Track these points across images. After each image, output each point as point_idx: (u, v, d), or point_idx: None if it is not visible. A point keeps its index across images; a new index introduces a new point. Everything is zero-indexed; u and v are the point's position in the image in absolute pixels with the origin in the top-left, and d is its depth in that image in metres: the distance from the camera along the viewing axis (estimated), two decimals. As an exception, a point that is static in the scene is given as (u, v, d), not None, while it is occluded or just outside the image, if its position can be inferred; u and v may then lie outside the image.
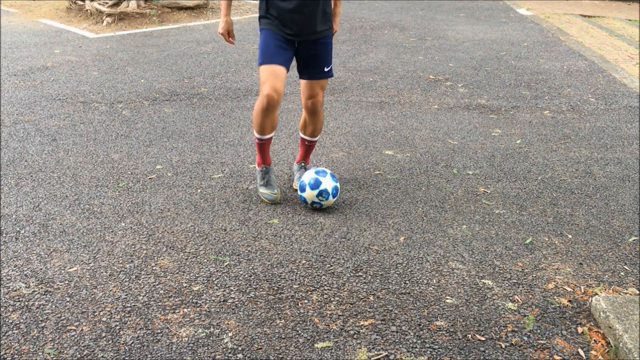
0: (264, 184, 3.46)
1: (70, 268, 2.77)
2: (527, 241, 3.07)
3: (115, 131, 4.56)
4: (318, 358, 2.22)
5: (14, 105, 5.14)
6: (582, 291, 2.66)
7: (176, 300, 2.55)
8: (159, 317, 2.43)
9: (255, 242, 3.02)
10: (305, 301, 2.55)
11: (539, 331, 2.39)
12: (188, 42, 7.77)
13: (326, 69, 3.32)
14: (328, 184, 3.28)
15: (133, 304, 2.51)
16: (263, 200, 3.43)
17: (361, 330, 2.37)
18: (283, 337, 2.33)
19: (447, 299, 2.58)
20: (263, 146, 3.42)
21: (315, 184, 3.27)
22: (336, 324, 2.41)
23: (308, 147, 3.66)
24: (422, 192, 3.61)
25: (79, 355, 2.21)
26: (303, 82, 3.36)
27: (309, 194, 3.29)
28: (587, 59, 7.02)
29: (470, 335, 2.36)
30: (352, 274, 2.75)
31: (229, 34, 3.34)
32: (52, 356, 2.21)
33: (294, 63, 3.32)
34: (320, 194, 3.27)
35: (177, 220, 3.23)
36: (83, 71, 6.28)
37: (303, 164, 3.70)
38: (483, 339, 2.34)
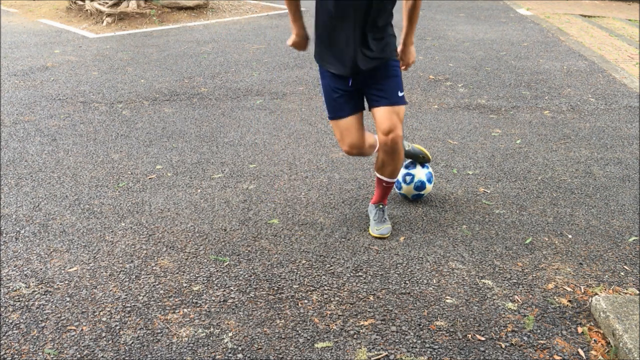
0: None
1: (70, 268, 2.77)
2: (527, 241, 3.07)
3: (115, 131, 4.56)
4: (318, 358, 2.22)
5: (14, 105, 5.14)
6: (582, 291, 2.66)
7: (176, 300, 2.55)
8: (159, 317, 2.43)
9: (255, 242, 3.02)
10: (305, 301, 2.55)
11: (539, 331, 2.39)
12: (188, 42, 7.77)
13: (400, 94, 2.86)
14: (420, 173, 3.37)
15: (133, 304, 2.51)
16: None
17: (361, 330, 2.37)
18: (283, 337, 2.33)
19: (447, 299, 2.58)
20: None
21: (410, 178, 3.36)
22: (336, 324, 2.41)
23: (386, 189, 3.12)
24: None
25: (79, 355, 2.21)
26: (376, 112, 2.87)
27: (407, 189, 3.40)
28: (587, 59, 7.02)
29: (470, 335, 2.36)
30: (352, 274, 2.75)
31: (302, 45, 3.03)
32: (52, 356, 2.21)
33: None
34: (417, 186, 3.38)
35: (177, 220, 3.23)
36: (83, 71, 6.28)
37: (382, 205, 3.15)
38: (483, 339, 2.34)
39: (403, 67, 2.99)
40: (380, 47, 2.77)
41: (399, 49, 2.94)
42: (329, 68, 2.84)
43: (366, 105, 2.96)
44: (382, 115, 2.82)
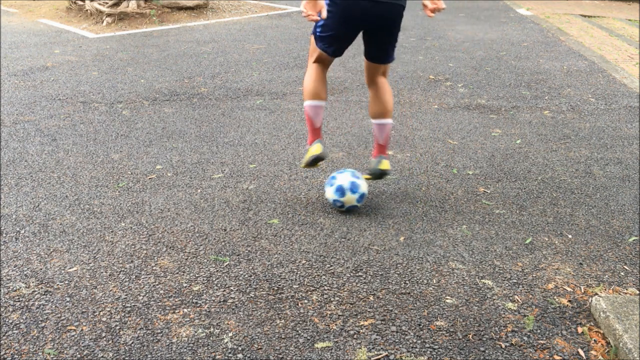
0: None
1: (70, 268, 2.77)
2: (527, 241, 3.07)
3: (115, 131, 4.56)
4: (318, 358, 2.22)
5: (14, 105, 5.14)
6: (582, 291, 2.66)
7: (176, 300, 2.55)
8: (159, 317, 2.43)
9: (255, 242, 3.02)
10: (305, 301, 2.55)
11: (539, 331, 2.39)
12: (188, 42, 7.77)
13: None
14: (364, 186, 3.27)
15: (133, 304, 2.51)
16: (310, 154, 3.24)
17: (361, 330, 2.37)
18: (283, 337, 2.33)
19: (447, 299, 2.58)
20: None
21: (355, 187, 3.21)
22: (336, 324, 2.41)
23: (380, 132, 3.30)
24: (422, 192, 3.61)
25: (79, 355, 2.21)
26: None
27: (350, 198, 3.22)
28: (587, 59, 7.02)
29: (470, 335, 2.36)
30: (352, 274, 2.75)
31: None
32: (52, 356, 2.21)
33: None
34: (361, 197, 3.26)
35: (177, 220, 3.23)
36: (83, 71, 6.29)
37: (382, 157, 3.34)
38: (483, 339, 2.34)
39: (433, 10, 2.79)
40: None
41: None
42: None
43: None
44: None
